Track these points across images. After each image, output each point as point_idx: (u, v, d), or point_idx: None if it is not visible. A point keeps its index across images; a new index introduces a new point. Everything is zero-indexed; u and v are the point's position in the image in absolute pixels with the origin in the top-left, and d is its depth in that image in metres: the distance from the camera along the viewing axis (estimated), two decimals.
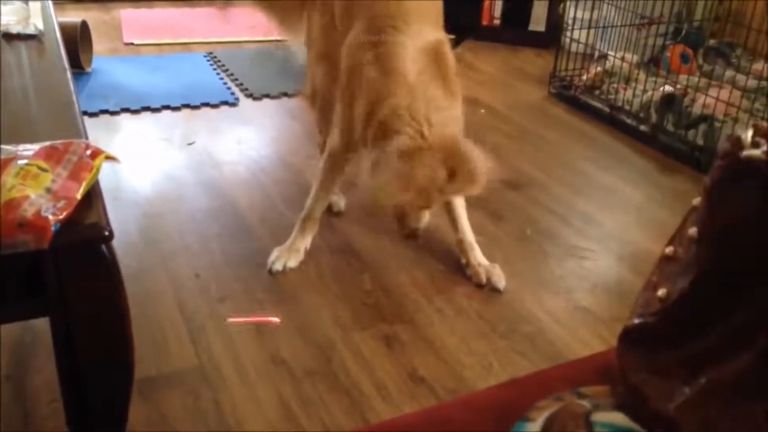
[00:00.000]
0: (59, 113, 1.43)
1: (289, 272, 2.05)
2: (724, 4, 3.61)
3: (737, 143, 0.76)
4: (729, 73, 3.11)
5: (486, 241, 2.17)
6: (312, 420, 1.56)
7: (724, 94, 2.79)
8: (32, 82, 1.61)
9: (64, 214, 1.02)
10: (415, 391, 1.65)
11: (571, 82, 3.45)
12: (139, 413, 1.51)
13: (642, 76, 3.20)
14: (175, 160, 2.67)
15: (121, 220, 2.17)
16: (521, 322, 1.90)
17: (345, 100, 1.91)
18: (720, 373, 0.74)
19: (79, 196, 1.06)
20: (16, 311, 1.16)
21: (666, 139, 2.95)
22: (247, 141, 2.85)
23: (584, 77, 3.39)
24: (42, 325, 1.41)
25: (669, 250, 0.85)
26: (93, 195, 1.10)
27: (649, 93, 3.07)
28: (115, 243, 1.09)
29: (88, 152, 1.14)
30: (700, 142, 2.83)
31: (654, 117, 3.01)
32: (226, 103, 3.19)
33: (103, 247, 1.07)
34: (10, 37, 1.79)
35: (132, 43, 3.85)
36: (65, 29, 2.29)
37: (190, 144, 2.79)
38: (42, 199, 1.02)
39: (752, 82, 2.98)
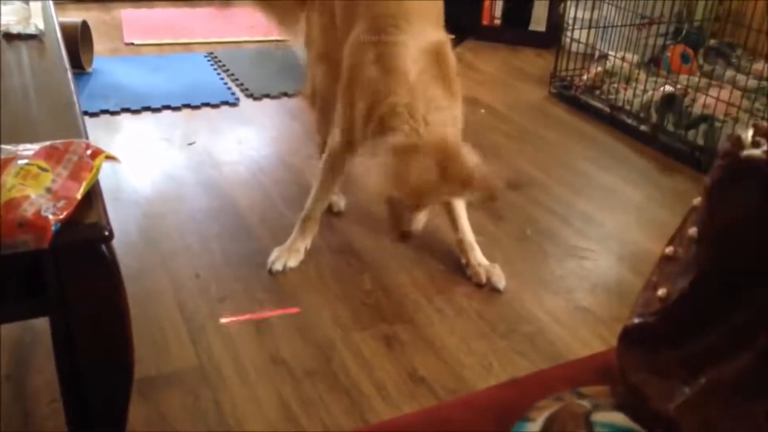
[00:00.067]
0: (60, 113, 1.43)
1: (289, 272, 2.05)
2: (725, 4, 3.61)
3: (737, 143, 0.76)
4: (729, 73, 3.11)
5: (486, 241, 2.17)
6: (312, 420, 1.56)
7: (725, 94, 2.79)
8: (33, 82, 1.61)
9: (65, 213, 1.02)
10: (415, 391, 1.65)
11: (571, 82, 3.44)
12: (139, 413, 1.51)
13: (642, 76, 3.20)
14: (176, 160, 2.67)
15: (121, 220, 2.17)
16: (521, 322, 1.90)
17: (346, 99, 1.91)
18: (720, 373, 0.74)
19: (79, 196, 1.06)
20: (16, 311, 1.16)
21: (666, 139, 2.95)
22: (248, 141, 2.85)
23: (584, 77, 3.39)
24: (42, 325, 1.41)
25: (669, 250, 0.85)
26: (93, 195, 1.10)
27: (650, 93, 3.07)
28: (115, 243, 1.09)
29: (89, 152, 1.14)
30: (700, 142, 2.83)
31: (654, 117, 3.01)
32: (226, 103, 3.19)
33: (103, 247, 1.07)
34: (10, 37, 1.79)
35: (132, 43, 3.85)
36: (66, 29, 2.29)
37: (190, 144, 2.79)
38: (42, 198, 1.02)
39: (752, 82, 2.98)
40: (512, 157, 2.83)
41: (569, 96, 3.40)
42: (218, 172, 2.59)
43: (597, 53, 3.50)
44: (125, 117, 3.01)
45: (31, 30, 1.81)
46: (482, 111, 3.26)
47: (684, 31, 3.52)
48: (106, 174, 1.16)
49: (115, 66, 3.49)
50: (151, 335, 1.77)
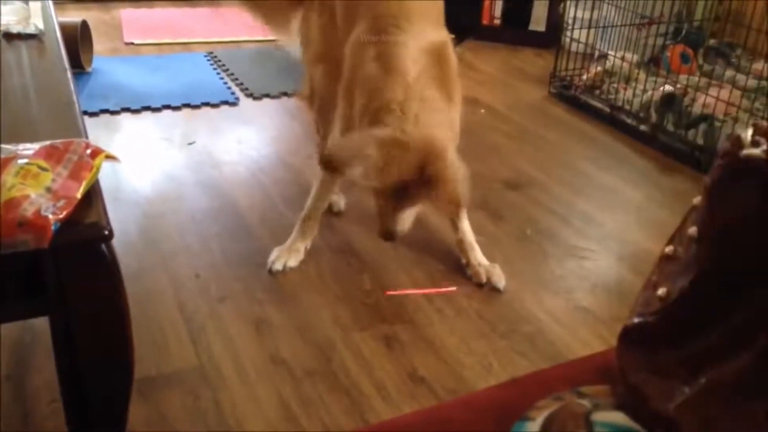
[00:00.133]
0: (59, 113, 1.43)
1: (289, 272, 2.05)
2: (724, 4, 3.61)
3: (737, 142, 0.76)
4: (729, 72, 3.11)
5: (486, 241, 2.17)
6: (312, 420, 1.56)
7: (724, 93, 2.79)
8: (32, 82, 1.61)
9: (64, 213, 1.02)
10: (415, 391, 1.65)
11: (571, 82, 3.44)
12: (139, 413, 1.51)
13: (642, 75, 3.20)
14: (176, 159, 2.67)
15: (121, 220, 2.17)
16: (521, 322, 1.90)
17: (347, 99, 1.91)
18: (720, 373, 0.74)
19: (79, 196, 1.06)
20: (16, 311, 1.16)
21: (666, 138, 2.95)
22: (247, 141, 2.85)
23: (584, 77, 3.39)
24: (42, 324, 1.41)
25: (669, 249, 0.85)
26: (93, 194, 1.10)
27: (649, 93, 3.07)
28: (115, 243, 1.09)
29: (89, 151, 1.14)
30: (700, 141, 2.83)
31: (654, 117, 3.01)
32: (226, 102, 3.19)
33: (103, 246, 1.07)
34: (10, 36, 1.79)
35: (132, 43, 3.85)
36: (65, 29, 2.29)
37: (190, 144, 2.79)
38: (42, 198, 1.02)
39: (752, 82, 2.98)
40: (512, 157, 2.83)
41: (569, 96, 3.40)
42: (218, 171, 2.59)
43: (597, 53, 3.50)
44: (125, 117, 3.01)
45: (31, 30, 1.81)
46: (482, 111, 3.26)
47: (684, 31, 3.52)
48: (106, 174, 1.16)
49: (115, 66, 3.49)
50: (151, 335, 1.77)
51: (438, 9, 1.98)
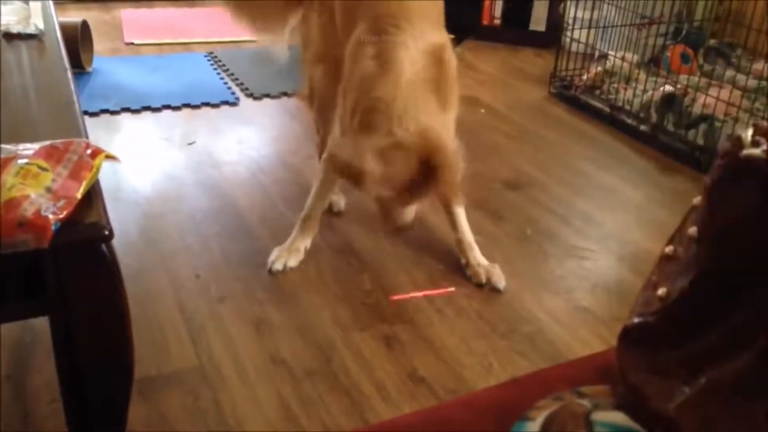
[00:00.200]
0: (60, 113, 1.43)
1: (289, 272, 2.05)
2: (724, 4, 3.61)
3: (737, 142, 0.76)
4: (729, 72, 3.11)
5: (486, 241, 2.17)
6: (312, 420, 1.56)
7: (725, 93, 2.79)
8: (33, 82, 1.61)
9: (65, 213, 1.02)
10: (415, 391, 1.65)
11: (571, 82, 3.44)
12: (139, 413, 1.51)
13: (642, 75, 3.20)
14: (176, 159, 2.67)
15: (121, 220, 2.17)
16: (521, 322, 1.90)
17: (346, 99, 1.91)
18: (720, 373, 0.74)
19: (79, 196, 1.06)
20: (16, 311, 1.16)
21: (666, 139, 2.95)
22: (247, 141, 2.85)
23: (584, 77, 3.39)
24: (42, 324, 1.41)
25: (669, 249, 0.85)
26: (93, 194, 1.10)
27: (650, 93, 3.07)
28: (115, 243, 1.09)
29: (89, 151, 1.14)
30: (700, 141, 2.83)
31: (654, 117, 3.01)
32: (226, 102, 3.19)
33: (103, 246, 1.07)
34: (10, 36, 1.79)
35: (132, 43, 3.85)
36: (66, 29, 2.29)
37: (190, 144, 2.79)
38: (42, 198, 1.02)
39: (752, 82, 2.98)
40: (512, 157, 2.83)
41: (569, 96, 3.40)
42: (218, 171, 2.59)
43: (597, 53, 3.50)
44: (125, 117, 3.01)
45: (31, 30, 1.81)
46: (482, 111, 3.26)
47: (684, 31, 3.52)
48: (106, 174, 1.16)
49: (115, 66, 3.49)
50: (151, 335, 1.77)
51: (438, 10, 1.97)
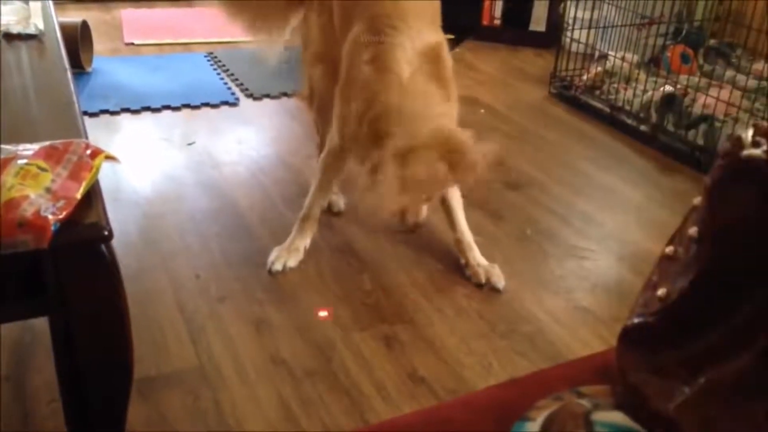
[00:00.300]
0: (59, 113, 1.43)
1: (289, 272, 2.05)
2: (725, 4, 3.61)
3: (738, 143, 0.76)
4: (729, 73, 3.11)
5: (486, 241, 2.17)
6: (312, 420, 1.56)
7: (725, 94, 2.79)
8: (32, 82, 1.61)
9: (64, 213, 1.02)
10: (415, 391, 1.65)
11: (571, 82, 3.44)
12: (138, 413, 1.51)
13: (642, 76, 3.20)
14: (175, 160, 2.67)
15: (121, 220, 2.17)
16: (521, 322, 1.90)
17: (343, 99, 1.91)
18: (720, 373, 0.74)
19: (79, 196, 1.06)
20: (16, 311, 1.16)
21: (666, 139, 2.95)
22: (247, 141, 2.85)
23: (584, 77, 3.39)
24: (41, 325, 1.41)
25: (669, 249, 0.85)
26: (93, 195, 1.10)
27: (650, 93, 3.07)
28: (115, 243, 1.09)
29: (88, 152, 1.14)
30: (700, 142, 2.83)
31: (654, 117, 3.01)
32: (226, 103, 3.19)
33: (103, 246, 1.07)
34: (10, 37, 1.79)
35: (132, 43, 3.85)
36: (66, 29, 2.29)
37: (190, 144, 2.79)
38: (42, 198, 1.02)
39: (752, 82, 2.98)
40: (512, 157, 2.83)
41: (569, 96, 3.40)
42: (218, 172, 2.59)
43: (597, 53, 3.50)
44: (125, 117, 3.01)
45: (31, 30, 1.81)
46: (482, 111, 3.26)
47: (684, 31, 3.52)
48: (105, 174, 1.16)
49: (115, 66, 3.49)
50: (151, 335, 1.77)
51: (434, 9, 1.97)
